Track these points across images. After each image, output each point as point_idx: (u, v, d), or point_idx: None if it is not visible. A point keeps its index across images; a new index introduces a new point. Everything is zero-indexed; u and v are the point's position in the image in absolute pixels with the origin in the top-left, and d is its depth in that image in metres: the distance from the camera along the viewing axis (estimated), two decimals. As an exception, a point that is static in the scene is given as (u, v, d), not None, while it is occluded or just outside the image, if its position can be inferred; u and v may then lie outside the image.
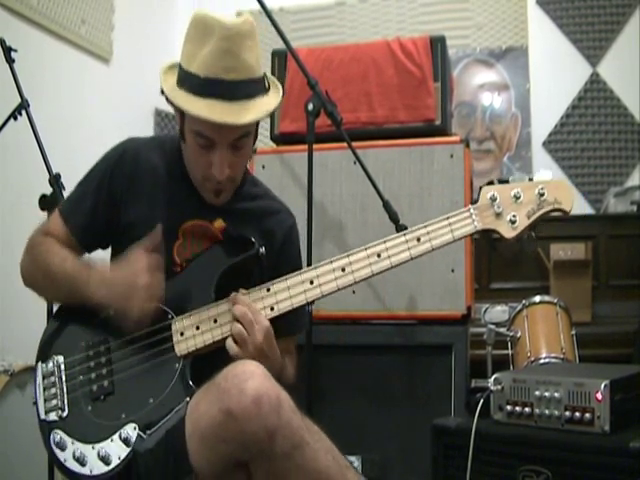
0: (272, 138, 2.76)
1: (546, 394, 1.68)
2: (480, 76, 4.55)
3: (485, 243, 3.70)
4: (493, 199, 1.50)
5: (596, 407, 1.61)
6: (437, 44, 2.61)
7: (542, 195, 1.48)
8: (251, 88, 1.55)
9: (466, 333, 2.44)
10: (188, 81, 1.54)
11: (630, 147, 4.28)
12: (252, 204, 1.77)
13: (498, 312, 2.62)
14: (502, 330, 2.55)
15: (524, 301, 2.65)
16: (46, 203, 2.33)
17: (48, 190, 2.35)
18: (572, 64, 4.38)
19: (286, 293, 1.54)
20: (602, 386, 1.61)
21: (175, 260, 1.65)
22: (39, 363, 1.61)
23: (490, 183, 1.55)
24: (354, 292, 2.49)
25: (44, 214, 2.30)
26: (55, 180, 2.36)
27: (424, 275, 2.43)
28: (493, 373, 1.90)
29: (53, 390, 1.56)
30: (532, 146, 4.42)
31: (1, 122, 2.52)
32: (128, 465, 1.43)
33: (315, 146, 2.20)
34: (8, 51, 2.48)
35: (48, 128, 2.60)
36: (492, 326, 2.51)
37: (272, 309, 1.53)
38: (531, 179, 1.52)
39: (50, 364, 1.59)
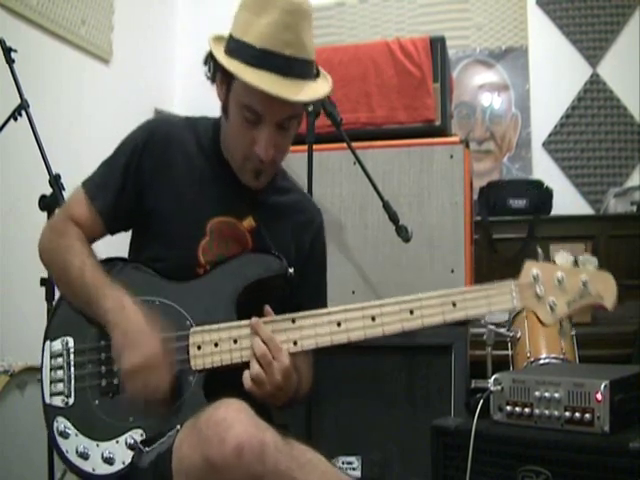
0: (272, 138, 2.76)
1: (546, 394, 1.68)
2: (480, 77, 4.55)
3: (485, 244, 3.70)
4: (535, 279, 1.45)
5: (596, 407, 1.61)
6: (437, 44, 2.61)
7: (585, 286, 1.44)
8: (305, 69, 1.49)
9: (466, 333, 2.44)
10: (242, 51, 1.45)
11: (630, 147, 4.28)
12: (284, 198, 1.71)
13: (498, 312, 2.62)
14: (502, 330, 2.56)
15: (524, 302, 2.64)
16: (46, 204, 2.32)
17: (48, 191, 2.35)
18: (572, 65, 4.38)
19: (312, 330, 1.47)
20: (602, 386, 1.61)
21: (199, 260, 1.58)
22: (47, 341, 1.56)
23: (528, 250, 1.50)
24: (354, 292, 2.50)
25: (44, 215, 2.30)
26: (55, 181, 2.36)
27: (424, 275, 2.44)
28: (493, 373, 1.90)
29: (60, 373, 1.52)
30: (532, 147, 4.42)
31: (1, 123, 2.52)
32: (130, 471, 1.42)
33: (315, 146, 2.20)
34: (8, 51, 2.48)
35: (48, 129, 2.60)
36: (492, 326, 2.52)
37: (295, 344, 1.46)
38: (576, 261, 1.47)
39: (59, 345, 1.54)
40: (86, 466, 1.45)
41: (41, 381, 1.55)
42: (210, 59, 1.54)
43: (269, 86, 1.41)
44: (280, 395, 1.45)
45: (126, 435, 1.44)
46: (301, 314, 1.48)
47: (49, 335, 1.57)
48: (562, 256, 1.47)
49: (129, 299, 1.48)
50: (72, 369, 1.52)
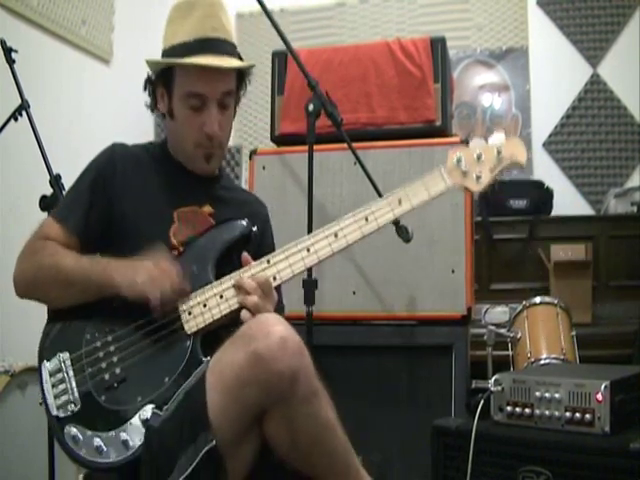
0: (272, 139, 2.76)
1: (546, 395, 1.69)
2: (480, 77, 4.55)
3: (486, 244, 3.70)
4: (459, 160, 1.65)
5: (596, 408, 1.61)
6: (437, 45, 2.61)
7: (500, 153, 1.63)
8: (231, 48, 1.73)
9: (466, 334, 2.44)
10: (176, 51, 1.69)
11: (630, 148, 4.28)
12: (231, 194, 1.88)
13: (498, 313, 2.62)
14: (502, 331, 2.56)
15: (524, 302, 2.65)
16: (47, 204, 2.33)
17: (48, 191, 2.35)
18: (572, 65, 4.38)
19: (285, 262, 1.61)
20: (602, 387, 1.61)
21: (172, 242, 1.69)
22: (43, 362, 1.60)
23: None
24: (354, 293, 2.50)
25: (44, 215, 2.30)
26: (56, 181, 2.37)
27: (424, 276, 2.43)
28: (493, 374, 1.91)
29: (62, 386, 1.56)
30: (532, 147, 4.42)
31: (2, 123, 2.52)
32: (146, 435, 1.45)
33: (315, 147, 2.20)
34: (9, 52, 2.48)
35: (48, 129, 2.60)
36: (492, 327, 2.52)
37: (275, 279, 1.60)
38: (487, 141, 1.69)
39: (55, 362, 1.58)
40: (104, 458, 1.47)
41: (44, 400, 1.57)
42: (148, 83, 1.78)
43: (205, 61, 1.65)
44: None
45: (139, 413, 1.48)
46: (273, 254, 1.63)
47: (44, 356, 1.62)
48: (475, 141, 1.73)
49: (127, 261, 1.59)
50: (72, 378, 1.56)
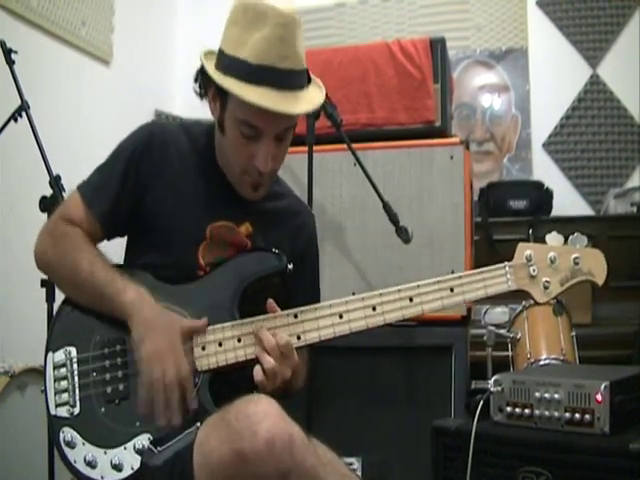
0: (272, 139, 2.76)
1: (546, 395, 1.69)
2: (480, 77, 4.55)
3: (485, 245, 3.70)
4: (529, 259, 1.49)
5: (596, 408, 1.61)
6: (437, 45, 2.61)
7: (577, 264, 1.47)
8: (300, 79, 1.52)
9: (466, 334, 2.44)
10: (236, 68, 1.47)
11: (630, 148, 4.28)
12: (278, 203, 1.74)
13: (498, 313, 2.62)
14: (502, 331, 2.56)
15: (524, 302, 2.65)
16: (46, 205, 2.32)
17: (48, 192, 2.35)
18: (572, 65, 4.38)
19: (314, 324, 1.49)
20: (602, 387, 1.61)
21: (200, 263, 1.59)
22: (49, 352, 1.55)
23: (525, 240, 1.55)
24: (354, 294, 2.49)
25: (44, 216, 2.30)
26: (55, 182, 2.36)
27: (424, 276, 2.42)
28: (493, 374, 1.91)
29: (64, 384, 1.51)
30: (532, 147, 4.42)
31: (1, 124, 2.52)
32: (141, 471, 1.41)
33: (315, 148, 2.20)
34: (8, 53, 2.48)
35: (48, 130, 2.60)
36: (492, 327, 2.52)
37: (298, 338, 1.48)
38: (567, 240, 1.51)
39: (62, 355, 1.53)
40: (94, 474, 1.44)
41: (45, 393, 1.53)
42: (201, 75, 1.58)
43: (270, 102, 1.44)
44: (284, 389, 1.48)
45: (134, 440, 1.43)
46: (302, 309, 1.50)
47: (51, 346, 1.56)
48: (553, 237, 1.51)
49: (145, 291, 1.50)
50: (76, 378, 1.51)
